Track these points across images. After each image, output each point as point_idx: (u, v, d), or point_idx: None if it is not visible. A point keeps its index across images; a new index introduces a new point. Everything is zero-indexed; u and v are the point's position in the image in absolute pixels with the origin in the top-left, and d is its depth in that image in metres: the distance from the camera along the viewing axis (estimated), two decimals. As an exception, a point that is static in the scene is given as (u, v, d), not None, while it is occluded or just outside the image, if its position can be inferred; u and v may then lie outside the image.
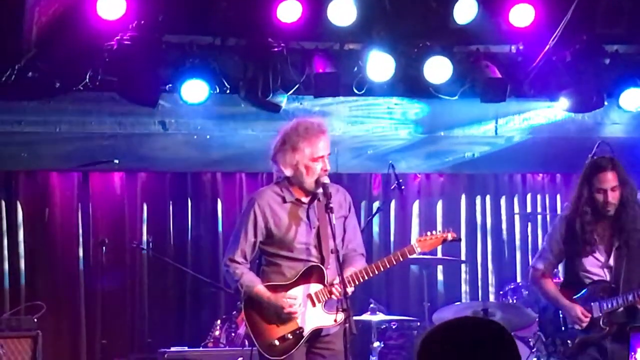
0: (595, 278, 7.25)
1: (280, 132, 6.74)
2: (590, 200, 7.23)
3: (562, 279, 7.64)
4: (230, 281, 6.77)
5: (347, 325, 6.21)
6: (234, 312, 9.04)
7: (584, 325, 7.16)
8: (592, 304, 7.18)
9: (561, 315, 7.34)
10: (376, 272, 6.63)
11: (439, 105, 10.37)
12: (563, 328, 7.32)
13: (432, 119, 10.68)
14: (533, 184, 11.39)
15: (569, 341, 7.27)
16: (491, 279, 11.04)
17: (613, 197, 7.18)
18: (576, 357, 7.25)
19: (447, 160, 10.98)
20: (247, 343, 8.57)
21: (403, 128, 10.64)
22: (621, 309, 7.12)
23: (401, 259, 6.68)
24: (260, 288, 6.62)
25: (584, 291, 7.26)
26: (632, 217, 7.19)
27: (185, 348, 9.10)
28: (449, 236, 6.87)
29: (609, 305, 7.13)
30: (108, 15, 8.76)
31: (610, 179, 7.21)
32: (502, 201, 11.27)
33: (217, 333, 9.14)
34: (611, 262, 7.21)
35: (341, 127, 10.29)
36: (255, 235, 6.68)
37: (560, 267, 8.18)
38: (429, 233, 6.87)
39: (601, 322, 7.15)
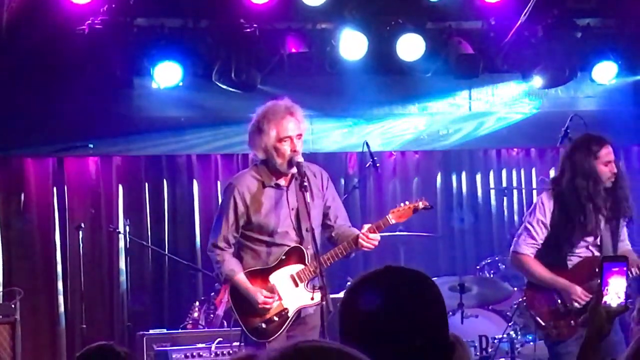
0: (584, 256, 7.09)
1: (254, 115, 6.77)
2: (591, 173, 7.05)
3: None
4: (214, 266, 6.85)
5: (323, 302, 6.24)
6: (212, 293, 9.06)
7: (583, 303, 6.90)
8: (590, 282, 6.87)
9: (557, 297, 7.09)
10: (354, 247, 6.64)
11: (412, 82, 10.44)
12: (562, 310, 7.05)
13: (406, 96, 10.74)
14: (508, 158, 11.40)
15: (572, 322, 7.12)
16: (468, 254, 11.06)
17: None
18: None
19: (421, 137, 11.00)
20: (225, 324, 8.66)
21: (378, 107, 10.72)
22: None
23: (377, 232, 6.66)
24: (239, 277, 6.68)
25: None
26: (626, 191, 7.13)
27: (164, 330, 9.12)
28: (420, 204, 6.88)
29: None
30: (78, -2, 8.75)
31: (611, 151, 7.14)
32: (478, 177, 11.29)
33: (195, 315, 9.14)
34: (598, 240, 7.05)
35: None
36: (237, 220, 6.71)
37: None
38: (401, 204, 6.90)
39: None
